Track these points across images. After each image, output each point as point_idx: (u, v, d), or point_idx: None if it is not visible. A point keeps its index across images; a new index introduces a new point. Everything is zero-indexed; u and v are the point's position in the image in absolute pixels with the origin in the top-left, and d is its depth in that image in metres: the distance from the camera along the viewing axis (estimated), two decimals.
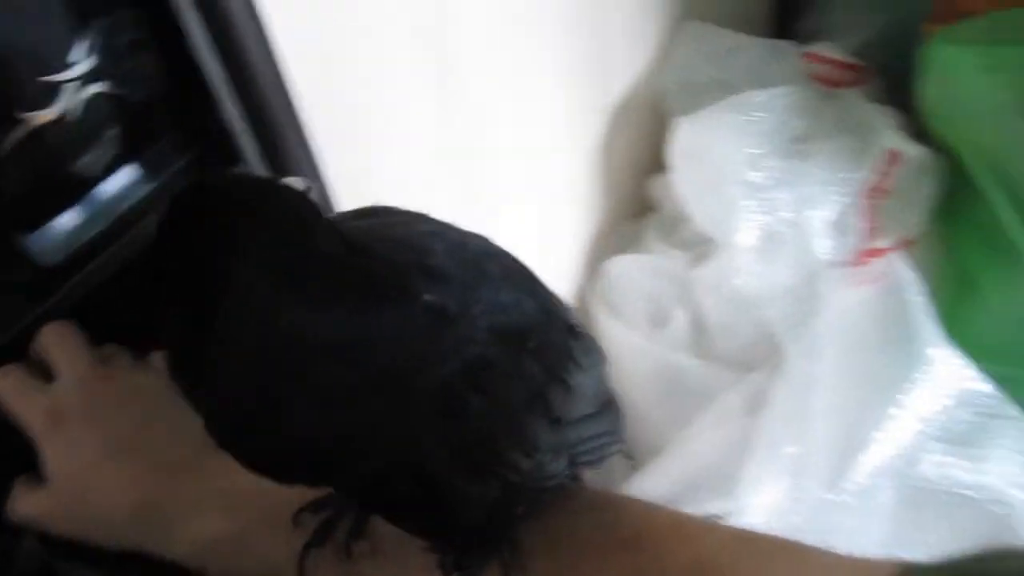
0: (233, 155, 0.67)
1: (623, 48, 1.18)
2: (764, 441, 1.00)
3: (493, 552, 0.42)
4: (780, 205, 1.08)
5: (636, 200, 1.29)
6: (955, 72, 1.06)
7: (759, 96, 1.11)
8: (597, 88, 1.16)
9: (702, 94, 1.21)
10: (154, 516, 0.51)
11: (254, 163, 0.67)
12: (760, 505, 0.95)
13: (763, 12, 1.53)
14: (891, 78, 1.31)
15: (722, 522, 0.45)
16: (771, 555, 0.39)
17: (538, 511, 0.43)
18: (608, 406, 0.48)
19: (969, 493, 0.92)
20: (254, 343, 0.28)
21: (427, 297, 0.31)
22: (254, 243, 0.28)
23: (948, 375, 0.93)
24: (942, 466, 0.93)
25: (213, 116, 0.64)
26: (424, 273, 0.31)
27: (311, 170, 0.68)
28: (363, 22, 0.74)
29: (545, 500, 0.42)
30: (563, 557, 0.43)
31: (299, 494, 0.49)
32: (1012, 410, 0.94)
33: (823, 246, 1.08)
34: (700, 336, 1.13)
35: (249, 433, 0.31)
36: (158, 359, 0.62)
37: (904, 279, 0.99)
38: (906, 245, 1.09)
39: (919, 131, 1.18)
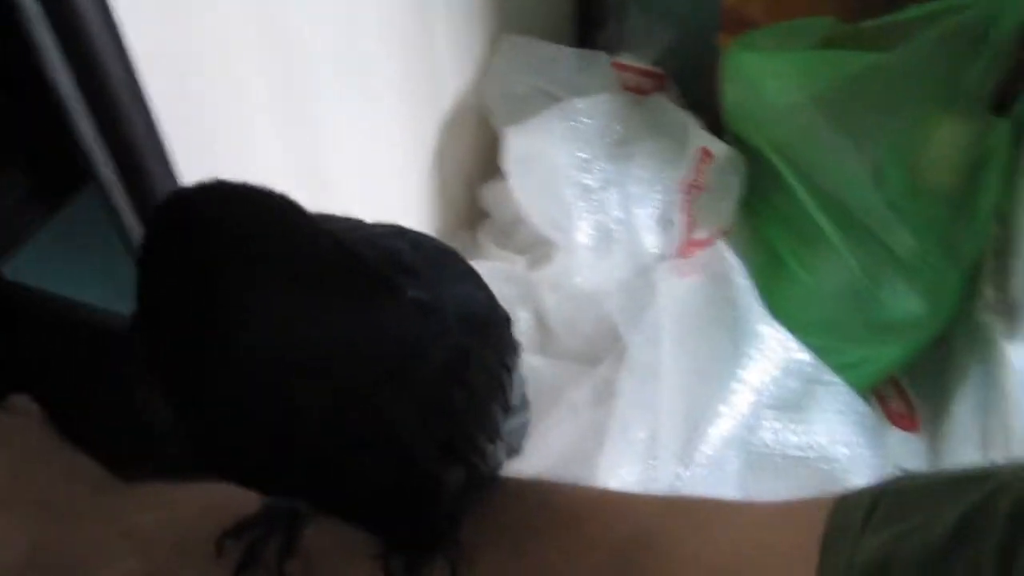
0: (87, 173, 0.63)
1: (449, 62, 1.21)
2: (616, 428, 1.06)
3: (443, 550, 0.42)
4: (610, 205, 1.14)
5: (469, 208, 1.32)
6: (752, 76, 1.17)
7: (581, 103, 1.17)
8: (428, 102, 1.18)
9: (523, 103, 1.26)
10: (50, 565, 0.47)
11: (108, 181, 0.63)
12: (620, 488, 1.00)
13: (568, 24, 1.61)
14: (686, 83, 1.43)
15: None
16: (707, 516, 0.42)
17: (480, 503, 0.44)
18: (526, 397, 0.50)
19: (801, 454, 1.02)
20: (266, 348, 0.28)
21: (411, 292, 0.32)
22: (253, 250, 0.28)
23: (776, 348, 1.03)
24: (777, 432, 1.03)
25: (64, 135, 0.60)
26: (400, 269, 0.32)
27: (171, 183, 0.65)
28: (214, 39, 0.72)
29: (487, 491, 0.44)
30: (506, 545, 0.44)
31: (214, 522, 0.47)
32: (829, 376, 1.05)
33: (651, 241, 1.15)
34: (545, 335, 1.17)
35: (254, 442, 0.30)
36: (19, 402, 0.57)
37: (729, 265, 1.08)
38: (722, 235, 1.19)
39: (718, 130, 1.29)
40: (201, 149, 0.70)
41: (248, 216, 0.28)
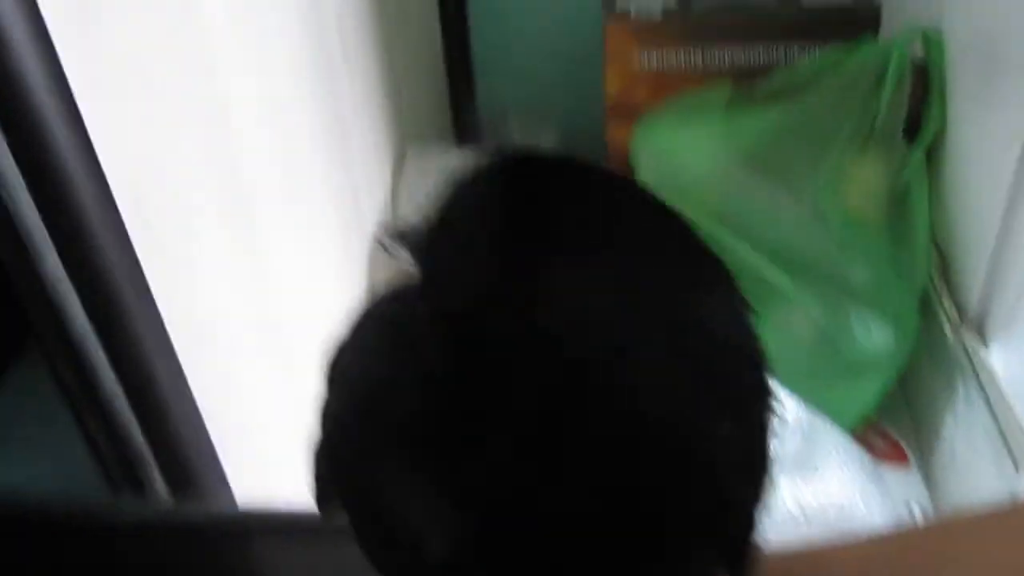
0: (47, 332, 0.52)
1: (366, 185, 1.16)
2: None
3: None
4: None
5: None
6: (669, 149, 1.18)
7: None
8: (352, 225, 1.12)
9: None
10: None
11: (82, 332, 0.52)
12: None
13: (448, 133, 1.59)
14: None
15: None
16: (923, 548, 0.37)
17: None
18: None
19: (818, 506, 0.97)
20: (657, 339, 0.23)
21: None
22: (625, 228, 0.25)
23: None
24: (794, 490, 0.98)
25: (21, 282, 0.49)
26: None
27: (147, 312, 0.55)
28: (175, 167, 0.63)
29: None
30: None
31: None
32: (823, 424, 1.02)
33: None
34: None
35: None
36: None
37: None
38: None
39: None
40: (171, 283, 0.60)
41: (614, 187, 0.25)
